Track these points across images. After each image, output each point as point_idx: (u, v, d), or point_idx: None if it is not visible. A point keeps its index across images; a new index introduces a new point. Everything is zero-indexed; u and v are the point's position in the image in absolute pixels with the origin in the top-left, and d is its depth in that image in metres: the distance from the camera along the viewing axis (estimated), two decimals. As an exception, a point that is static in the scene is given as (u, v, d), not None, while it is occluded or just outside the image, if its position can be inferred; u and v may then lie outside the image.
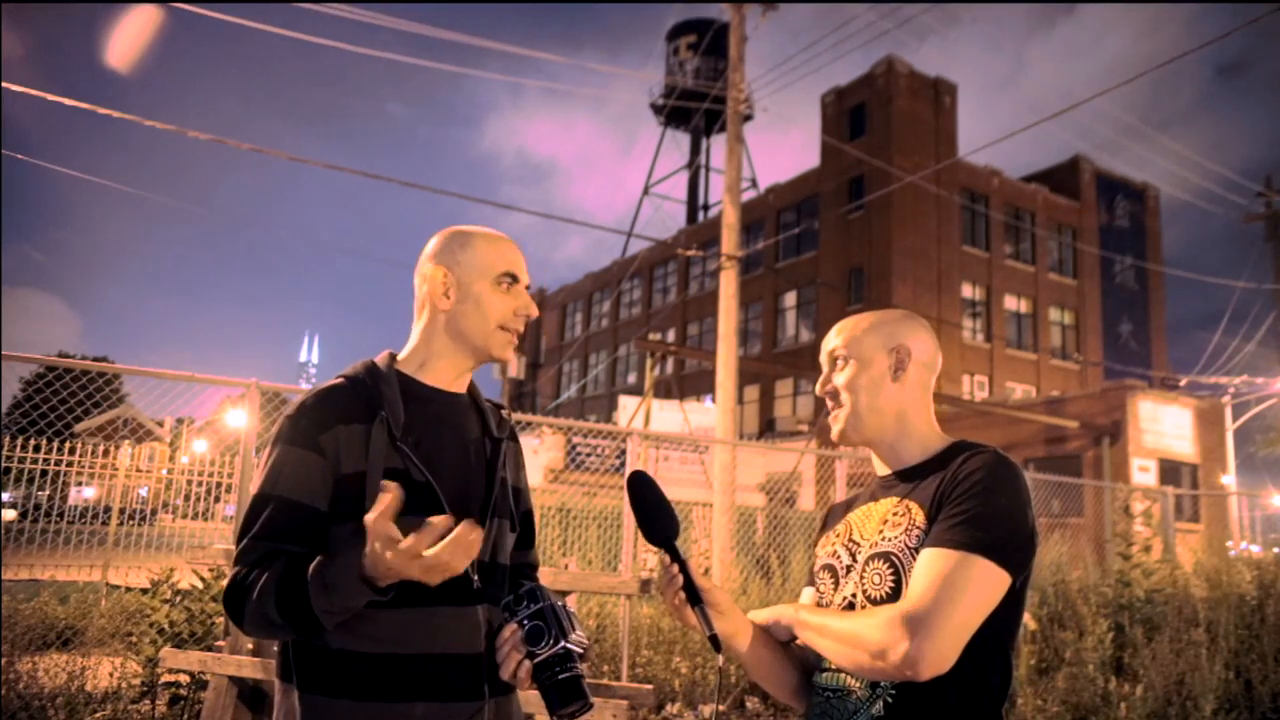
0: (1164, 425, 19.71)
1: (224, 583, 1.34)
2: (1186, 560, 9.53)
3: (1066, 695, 5.25)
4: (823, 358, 1.57)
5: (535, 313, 1.54)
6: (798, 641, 1.45)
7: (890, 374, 1.49)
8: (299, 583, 1.24)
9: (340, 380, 1.45)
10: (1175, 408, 20.26)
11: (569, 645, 1.30)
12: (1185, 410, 20.46)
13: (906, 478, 1.46)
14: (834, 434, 1.54)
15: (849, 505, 1.57)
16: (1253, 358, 22.29)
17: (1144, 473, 18.66)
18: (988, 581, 1.27)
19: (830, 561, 1.50)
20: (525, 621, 1.32)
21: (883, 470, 1.53)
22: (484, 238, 1.53)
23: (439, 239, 1.54)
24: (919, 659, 1.22)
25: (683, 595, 1.38)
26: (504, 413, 1.61)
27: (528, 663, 1.30)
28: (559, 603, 1.34)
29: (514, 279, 1.52)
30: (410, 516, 1.33)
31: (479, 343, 1.50)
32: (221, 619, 4.58)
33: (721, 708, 5.57)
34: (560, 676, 1.28)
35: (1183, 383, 23.24)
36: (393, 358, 1.51)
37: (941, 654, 1.22)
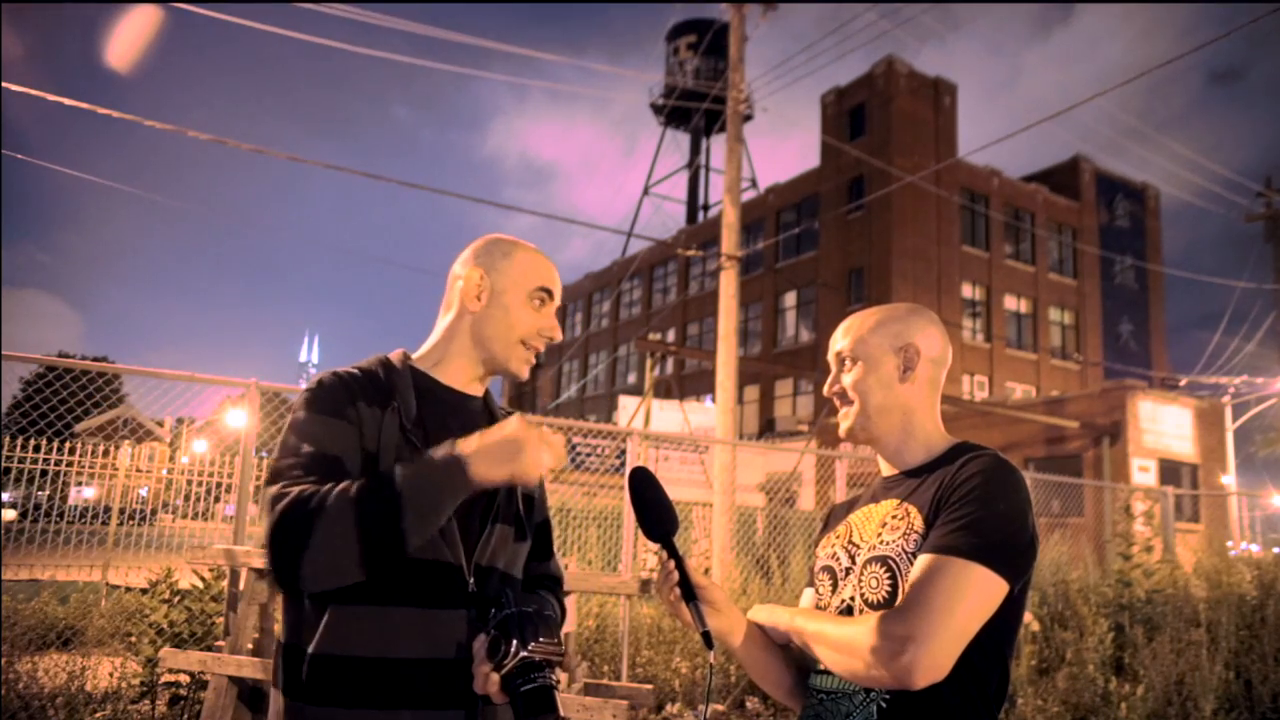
0: (1164, 425, 19.70)
1: (282, 504, 1.21)
2: (1187, 560, 9.53)
3: (1067, 695, 5.25)
4: (830, 357, 1.55)
5: (558, 336, 1.54)
6: (794, 644, 1.44)
7: (899, 374, 1.47)
8: (387, 482, 1.23)
9: (353, 369, 1.45)
10: (1175, 408, 20.26)
11: (530, 655, 1.24)
12: (1185, 410, 20.46)
13: (908, 479, 1.45)
14: (841, 431, 1.53)
15: (850, 506, 1.56)
16: (1253, 358, 22.32)
17: (1144, 473, 18.66)
18: (984, 588, 1.25)
19: (829, 564, 1.49)
20: (490, 631, 1.28)
21: (886, 470, 1.52)
22: (526, 250, 1.54)
23: (482, 242, 1.55)
24: (913, 668, 1.20)
25: (678, 591, 1.38)
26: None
27: (495, 675, 1.26)
28: (528, 609, 1.30)
29: (548, 295, 1.52)
30: None
31: (498, 352, 1.49)
32: (221, 619, 4.58)
33: (721, 707, 5.56)
34: (523, 689, 1.23)
35: (1183, 383, 23.24)
36: (407, 356, 1.51)
37: (936, 663, 1.21)
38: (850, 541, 1.47)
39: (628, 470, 1.53)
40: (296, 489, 1.23)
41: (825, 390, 1.55)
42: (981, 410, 21.83)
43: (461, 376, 1.50)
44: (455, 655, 1.32)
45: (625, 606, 5.55)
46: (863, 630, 1.28)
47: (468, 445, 1.26)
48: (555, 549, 1.67)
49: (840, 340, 1.53)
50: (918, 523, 1.35)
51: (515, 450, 1.26)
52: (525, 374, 1.53)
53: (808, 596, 1.57)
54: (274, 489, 1.26)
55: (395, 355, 1.50)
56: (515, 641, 1.24)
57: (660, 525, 1.40)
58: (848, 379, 1.50)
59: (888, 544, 1.38)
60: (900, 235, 28.15)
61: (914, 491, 1.41)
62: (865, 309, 1.59)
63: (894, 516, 1.40)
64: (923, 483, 1.41)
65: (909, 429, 1.48)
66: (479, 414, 1.52)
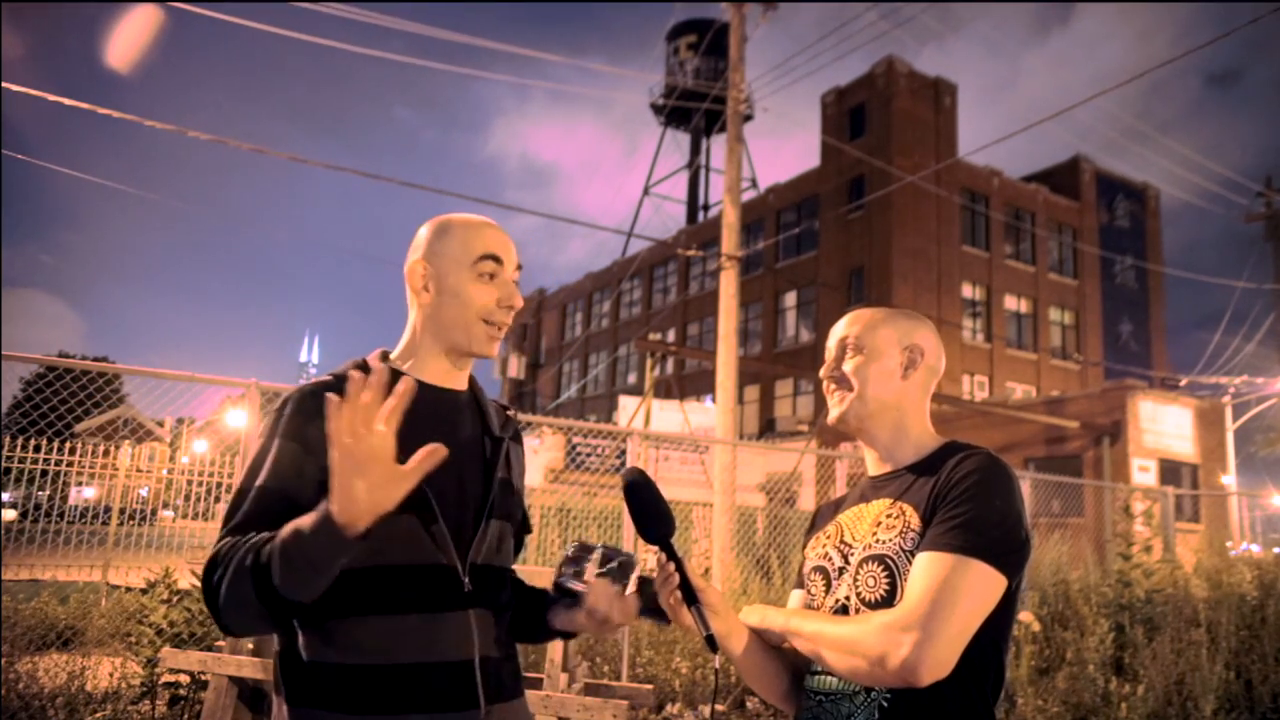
0: (1164, 425, 19.70)
1: (210, 557, 1.24)
2: (1187, 560, 9.53)
3: (1067, 695, 5.25)
4: (831, 343, 1.55)
5: (518, 303, 1.45)
6: (788, 645, 1.44)
7: (901, 371, 1.48)
8: (271, 547, 1.15)
9: (328, 378, 1.41)
10: (1175, 408, 20.26)
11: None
12: (1185, 410, 20.45)
13: (899, 478, 1.45)
14: (832, 417, 1.53)
15: (838, 506, 1.56)
16: (1253, 358, 22.31)
17: (1144, 473, 18.65)
18: (984, 585, 1.26)
19: (821, 563, 1.48)
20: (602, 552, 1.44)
21: (874, 469, 1.52)
22: (462, 224, 1.46)
23: (423, 229, 1.48)
24: (918, 665, 1.20)
25: (678, 595, 1.37)
26: (509, 413, 1.56)
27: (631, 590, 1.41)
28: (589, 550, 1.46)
29: (495, 262, 1.44)
30: (401, 515, 1.28)
31: (458, 337, 1.43)
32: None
33: (721, 707, 5.56)
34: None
35: (1183, 383, 23.23)
36: (385, 355, 1.47)
37: (940, 660, 1.21)
38: (842, 541, 1.46)
39: (623, 471, 1.49)
40: (228, 540, 1.23)
41: (822, 373, 1.54)
42: (981, 410, 21.82)
43: (437, 371, 1.45)
44: (460, 657, 1.30)
45: (625, 606, 5.54)
46: (864, 629, 1.27)
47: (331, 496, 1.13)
48: (556, 548, 1.67)
49: (846, 328, 1.53)
50: (914, 521, 1.35)
51: (346, 485, 1.08)
52: (493, 351, 1.46)
53: (796, 597, 1.56)
54: (221, 533, 1.27)
55: (373, 357, 1.46)
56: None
57: (658, 527, 1.39)
58: (849, 366, 1.50)
59: (884, 542, 1.37)
60: (900, 235, 28.14)
61: (907, 490, 1.41)
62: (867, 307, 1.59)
63: (889, 515, 1.40)
64: (916, 481, 1.41)
65: (902, 427, 1.49)
66: (465, 408, 1.48)
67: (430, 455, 1.11)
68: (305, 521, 1.13)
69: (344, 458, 1.08)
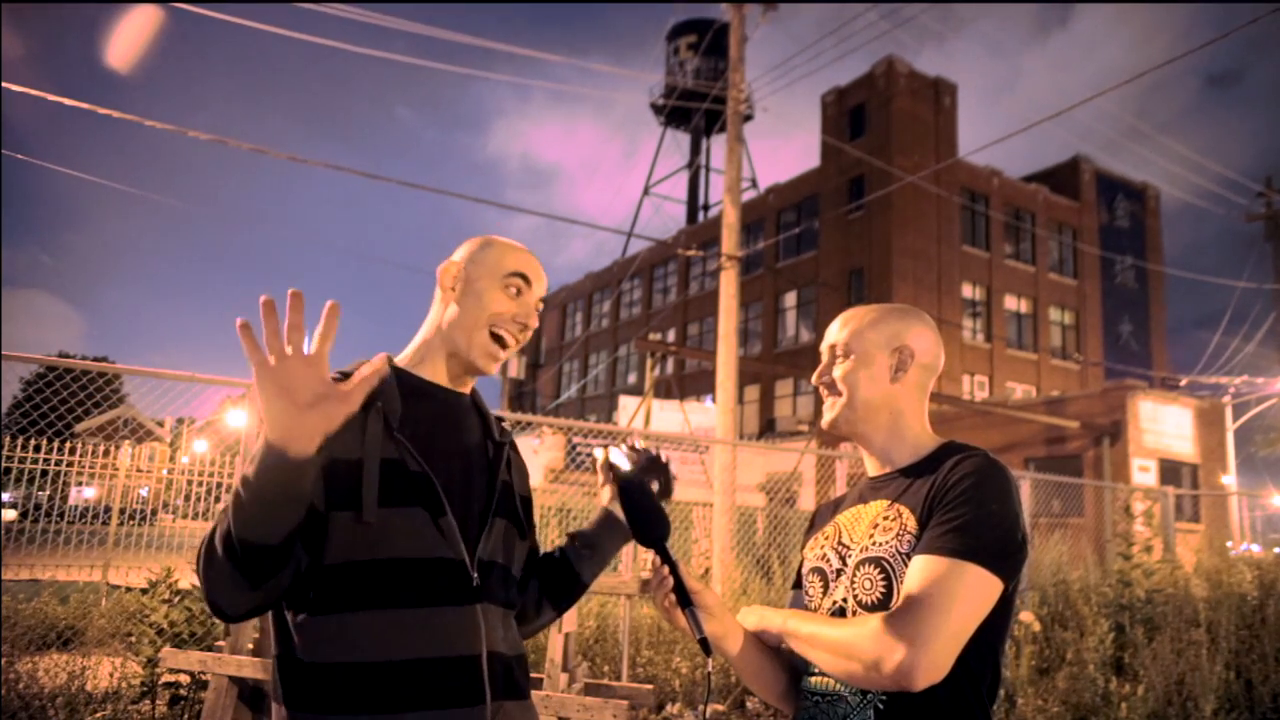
0: (1164, 425, 19.70)
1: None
2: (1187, 560, 9.54)
3: (1067, 695, 5.25)
4: (823, 348, 1.55)
5: (534, 323, 1.50)
6: (785, 646, 1.44)
7: (890, 374, 1.47)
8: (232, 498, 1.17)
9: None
10: (1175, 408, 20.25)
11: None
12: (1185, 410, 20.45)
13: (897, 479, 1.44)
14: (824, 422, 1.53)
15: (836, 506, 1.55)
16: (1253, 358, 22.36)
17: (1144, 473, 18.65)
18: (981, 588, 1.25)
19: (819, 565, 1.48)
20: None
21: (873, 470, 1.51)
22: (505, 243, 1.53)
23: (466, 240, 1.56)
24: (913, 669, 1.20)
25: (673, 597, 1.37)
26: (503, 424, 1.59)
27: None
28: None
29: (524, 281, 1.49)
30: (408, 508, 1.32)
31: (462, 340, 1.46)
32: (221, 619, 4.58)
33: (722, 707, 5.56)
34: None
35: (1183, 383, 23.24)
36: (390, 358, 1.49)
37: (936, 664, 1.21)
38: (840, 543, 1.46)
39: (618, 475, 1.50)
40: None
41: (814, 379, 1.54)
42: (981, 410, 21.82)
43: (443, 374, 1.48)
44: (465, 652, 1.30)
45: (625, 606, 5.55)
46: (860, 632, 1.27)
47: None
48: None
49: (836, 332, 1.53)
50: (910, 523, 1.35)
51: (271, 401, 1.09)
52: (491, 369, 1.47)
53: (795, 598, 1.56)
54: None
55: (377, 359, 1.46)
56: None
57: (653, 531, 1.39)
58: (838, 371, 1.50)
59: (880, 545, 1.37)
60: (900, 235, 28.14)
61: (905, 492, 1.40)
62: (864, 306, 1.59)
63: (885, 517, 1.39)
64: (913, 483, 1.40)
65: (897, 429, 1.48)
66: (468, 413, 1.50)
67: (372, 372, 1.14)
68: (249, 467, 1.14)
69: (263, 377, 1.09)
